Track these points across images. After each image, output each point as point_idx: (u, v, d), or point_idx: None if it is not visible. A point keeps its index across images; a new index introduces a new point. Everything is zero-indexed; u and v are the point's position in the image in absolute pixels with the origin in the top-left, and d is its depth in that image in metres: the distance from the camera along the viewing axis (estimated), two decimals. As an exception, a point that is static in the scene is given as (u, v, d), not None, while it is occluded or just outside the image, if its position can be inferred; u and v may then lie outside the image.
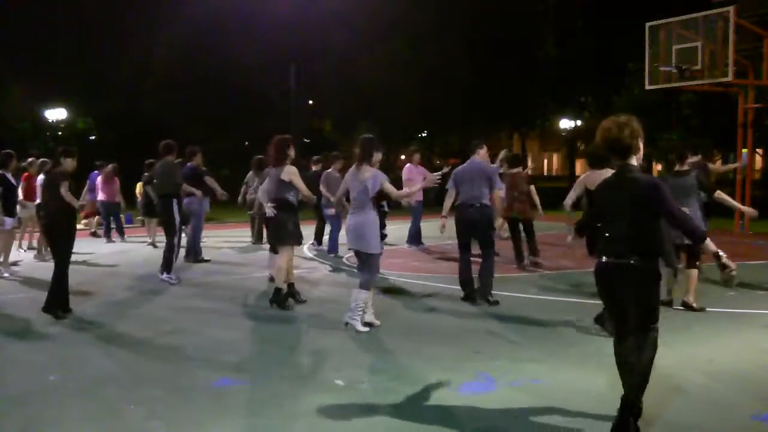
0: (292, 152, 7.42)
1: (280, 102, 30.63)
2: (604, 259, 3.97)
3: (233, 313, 7.21)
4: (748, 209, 8.04)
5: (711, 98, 19.71)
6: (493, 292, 7.45)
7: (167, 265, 8.96)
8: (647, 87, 16.25)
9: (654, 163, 32.98)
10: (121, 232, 14.27)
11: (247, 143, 33.43)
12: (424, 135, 36.10)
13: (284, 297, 7.39)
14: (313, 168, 12.64)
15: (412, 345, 5.81)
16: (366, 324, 6.36)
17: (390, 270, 9.81)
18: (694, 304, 7.09)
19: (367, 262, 6.41)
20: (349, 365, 5.24)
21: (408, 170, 12.57)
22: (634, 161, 4.00)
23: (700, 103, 20.82)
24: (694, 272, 7.14)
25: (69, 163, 7.31)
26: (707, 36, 14.58)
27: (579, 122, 33.52)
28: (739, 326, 6.41)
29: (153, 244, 12.70)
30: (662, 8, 17.74)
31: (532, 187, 10.25)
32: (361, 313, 6.35)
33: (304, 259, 11.13)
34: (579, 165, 42.92)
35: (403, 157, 41.16)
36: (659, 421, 4.10)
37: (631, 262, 3.83)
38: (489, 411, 4.27)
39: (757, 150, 22.14)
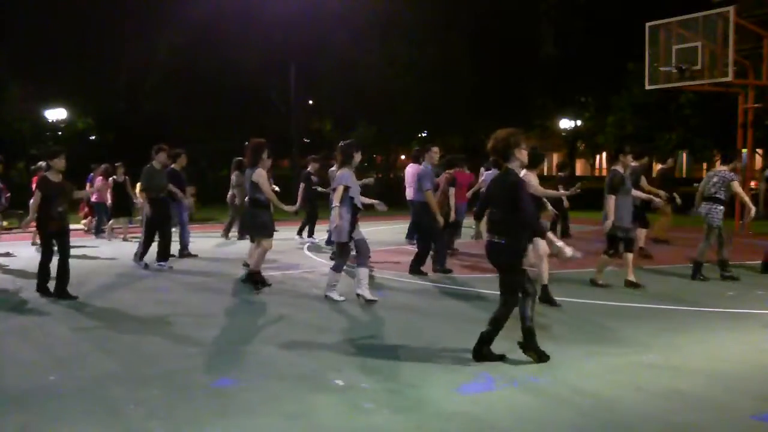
0: (266, 156, 8.24)
1: (280, 102, 30.64)
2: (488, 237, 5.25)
3: (232, 312, 7.22)
4: (656, 199, 9.39)
5: (711, 98, 19.72)
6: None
7: (162, 254, 10.13)
8: (647, 87, 16.26)
9: (654, 163, 32.92)
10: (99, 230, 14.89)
11: (246, 143, 33.40)
12: (424, 135, 36.11)
13: (255, 280, 8.35)
14: (309, 168, 12.80)
15: (412, 345, 5.80)
16: (369, 300, 7.40)
17: (389, 270, 9.83)
18: (599, 281, 8.36)
19: (337, 246, 7.60)
20: (349, 365, 5.24)
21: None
22: (515, 163, 5.19)
23: (700, 103, 20.84)
24: (603, 257, 8.41)
25: (57, 163, 7.96)
26: (707, 36, 14.60)
27: (579, 122, 33.53)
28: (738, 326, 6.41)
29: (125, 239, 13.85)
30: (662, 8, 17.75)
31: (451, 189, 11.16)
32: (335, 287, 7.60)
33: (304, 259, 11.13)
34: (579, 165, 42.95)
35: (403, 157, 41.19)
36: (659, 421, 4.11)
37: (502, 241, 5.11)
38: (489, 411, 4.27)
39: (757, 150, 22.14)
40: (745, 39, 16.07)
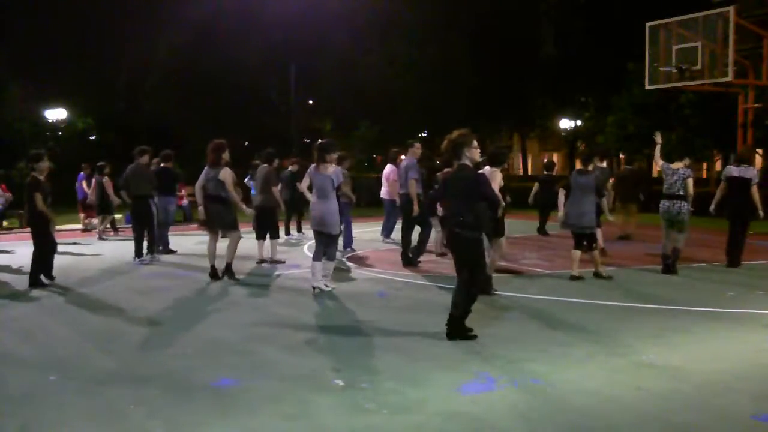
0: (226, 155, 8.86)
1: (280, 102, 30.66)
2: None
3: (232, 312, 7.21)
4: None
5: (711, 98, 19.71)
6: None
7: (139, 252, 10.62)
8: (647, 87, 16.26)
9: (654, 164, 32.73)
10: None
11: (246, 143, 33.44)
12: (424, 135, 36.13)
13: (216, 273, 8.96)
14: (289, 168, 13.03)
15: (412, 345, 5.81)
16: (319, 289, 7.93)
17: (388, 270, 9.83)
18: (604, 274, 8.80)
19: (330, 239, 7.95)
20: (349, 365, 5.24)
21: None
22: (466, 161, 5.79)
23: (700, 103, 20.82)
24: (596, 252, 8.94)
25: (41, 166, 8.36)
26: (707, 36, 14.60)
27: (579, 122, 33.53)
28: (739, 326, 6.41)
29: (102, 237, 14.14)
30: (662, 8, 17.76)
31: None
32: (329, 278, 8.11)
33: (304, 259, 11.12)
34: (579, 165, 42.92)
35: (403, 157, 41.24)
36: (659, 421, 4.11)
37: (464, 232, 5.68)
38: (489, 411, 4.27)
39: (757, 150, 22.12)
40: (745, 39, 16.08)
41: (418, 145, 10.50)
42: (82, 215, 16.23)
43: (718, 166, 39.02)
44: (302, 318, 6.91)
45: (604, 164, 11.29)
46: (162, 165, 11.60)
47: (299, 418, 4.19)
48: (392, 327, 6.46)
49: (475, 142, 5.86)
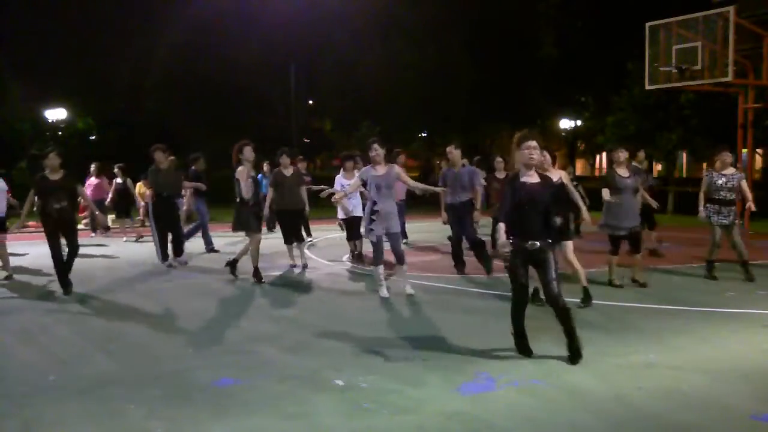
0: (246, 154, 8.69)
1: (280, 102, 30.67)
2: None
3: (232, 312, 7.22)
4: (652, 201, 9.66)
5: (711, 98, 19.69)
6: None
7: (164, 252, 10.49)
8: (647, 87, 16.22)
9: (654, 163, 32.80)
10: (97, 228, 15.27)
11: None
12: (424, 135, 36.13)
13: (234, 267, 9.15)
14: (297, 166, 13.09)
15: (412, 345, 5.80)
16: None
17: (390, 270, 9.82)
18: (641, 280, 8.38)
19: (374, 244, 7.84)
20: (349, 365, 5.24)
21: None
22: (518, 164, 5.39)
23: (700, 103, 20.79)
24: (638, 256, 8.43)
25: (48, 162, 8.18)
26: (707, 36, 14.57)
27: (579, 122, 33.51)
28: (739, 326, 6.41)
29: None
30: (662, 8, 17.73)
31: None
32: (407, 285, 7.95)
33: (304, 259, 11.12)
34: (579, 165, 42.90)
35: (403, 157, 41.23)
36: (659, 421, 4.11)
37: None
38: (489, 411, 4.27)
39: (757, 150, 22.08)
40: (745, 39, 16.01)
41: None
42: (83, 214, 16.29)
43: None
44: (302, 318, 6.92)
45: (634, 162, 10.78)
46: (192, 167, 11.74)
47: (299, 418, 4.19)
48: (393, 327, 6.46)
49: (528, 143, 5.29)
